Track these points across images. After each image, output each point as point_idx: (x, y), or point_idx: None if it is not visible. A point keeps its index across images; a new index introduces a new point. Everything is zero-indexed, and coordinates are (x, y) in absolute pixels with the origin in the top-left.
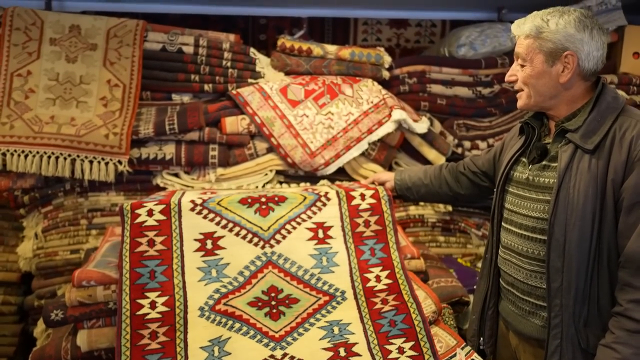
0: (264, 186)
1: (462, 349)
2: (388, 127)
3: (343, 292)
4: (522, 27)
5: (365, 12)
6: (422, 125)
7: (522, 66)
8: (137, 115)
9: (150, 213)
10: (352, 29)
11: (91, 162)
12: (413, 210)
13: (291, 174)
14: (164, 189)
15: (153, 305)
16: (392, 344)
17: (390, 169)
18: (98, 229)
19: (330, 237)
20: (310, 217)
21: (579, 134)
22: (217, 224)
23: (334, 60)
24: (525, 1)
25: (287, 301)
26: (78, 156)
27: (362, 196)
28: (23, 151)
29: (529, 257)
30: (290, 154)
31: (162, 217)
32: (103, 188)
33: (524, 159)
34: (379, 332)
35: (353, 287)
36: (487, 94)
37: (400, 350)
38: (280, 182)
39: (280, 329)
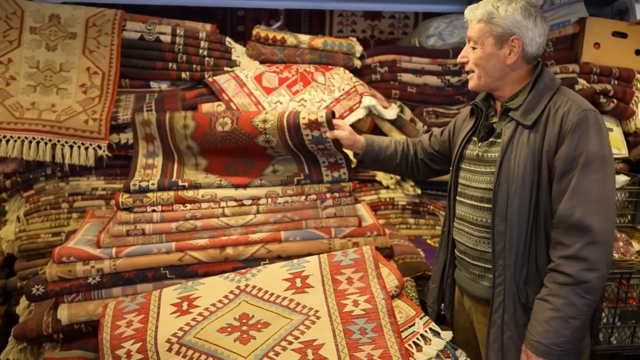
0: None
1: (421, 319)
2: (359, 113)
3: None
4: (475, 12)
5: (340, 4)
6: (391, 111)
7: (474, 48)
8: (116, 102)
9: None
10: (328, 20)
11: (71, 146)
12: (384, 193)
13: None
14: None
15: None
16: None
17: None
18: (79, 212)
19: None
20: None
21: (519, 112)
22: None
23: (307, 49)
24: None
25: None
26: (58, 141)
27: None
28: (4, 136)
29: (477, 224)
30: None
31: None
32: (83, 172)
33: (474, 138)
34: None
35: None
36: (455, 82)
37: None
38: None
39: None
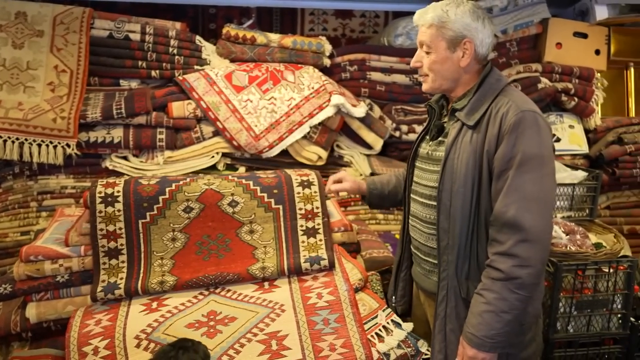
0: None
1: (384, 311)
2: (328, 111)
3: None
4: (425, 17)
5: (311, 2)
6: (360, 109)
7: (427, 53)
8: (85, 100)
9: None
10: (300, 19)
11: (39, 145)
12: None
13: (237, 156)
14: (113, 171)
15: None
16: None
17: (331, 151)
18: (48, 211)
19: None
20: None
21: (464, 112)
22: None
23: (277, 48)
24: None
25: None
26: (26, 139)
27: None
28: None
29: (427, 221)
30: (236, 137)
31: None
32: (52, 171)
33: (427, 137)
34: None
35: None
36: None
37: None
38: (227, 165)
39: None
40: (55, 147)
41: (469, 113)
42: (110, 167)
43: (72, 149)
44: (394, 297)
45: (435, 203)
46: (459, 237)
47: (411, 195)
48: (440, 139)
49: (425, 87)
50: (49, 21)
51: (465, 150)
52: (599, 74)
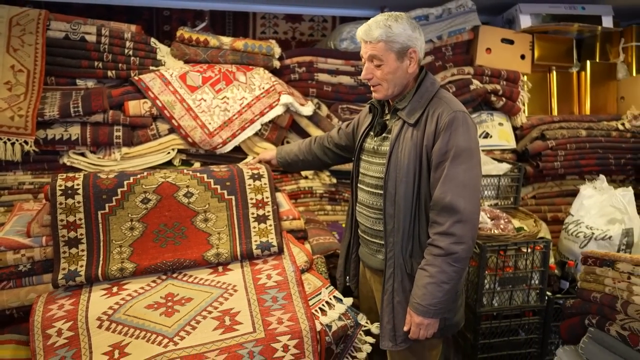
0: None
1: (327, 288)
2: (277, 110)
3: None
4: (372, 34)
5: (262, 7)
6: (308, 108)
7: (379, 66)
8: (42, 99)
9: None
10: (251, 22)
11: None
12: (303, 183)
13: (192, 152)
14: (71, 167)
15: None
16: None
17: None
18: (6, 207)
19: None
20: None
21: (405, 112)
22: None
23: (229, 50)
24: (404, 0)
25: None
26: None
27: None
28: None
29: (373, 207)
30: (191, 134)
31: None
32: (10, 167)
33: (372, 133)
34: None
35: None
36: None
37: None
38: (183, 161)
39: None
40: (13, 144)
41: (409, 113)
42: (68, 163)
43: (30, 146)
44: (347, 277)
45: (381, 192)
46: (403, 220)
47: (358, 185)
48: (384, 135)
49: (379, 95)
50: (5, 22)
51: (407, 145)
52: (524, 77)
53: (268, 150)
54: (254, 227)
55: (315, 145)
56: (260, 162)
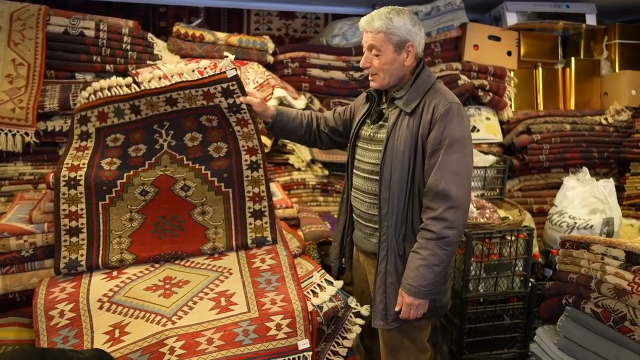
0: None
1: (318, 272)
2: (271, 103)
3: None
4: (373, 25)
5: (256, 4)
6: (300, 102)
7: (377, 55)
8: (42, 92)
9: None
10: (246, 19)
11: None
12: (296, 175)
13: None
14: None
15: None
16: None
17: (275, 140)
18: (6, 197)
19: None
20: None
21: (402, 101)
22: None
23: (224, 45)
24: None
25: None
26: None
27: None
28: None
29: (368, 192)
30: None
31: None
32: (11, 158)
33: (368, 121)
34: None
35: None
36: (358, 77)
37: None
38: None
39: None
40: (14, 135)
41: (406, 102)
42: None
43: (31, 138)
44: (343, 259)
45: (377, 177)
46: (397, 205)
47: (354, 170)
48: (380, 122)
49: (375, 84)
50: (6, 17)
51: (403, 133)
52: (511, 73)
53: (268, 105)
54: (250, 224)
55: (315, 126)
56: (252, 109)
